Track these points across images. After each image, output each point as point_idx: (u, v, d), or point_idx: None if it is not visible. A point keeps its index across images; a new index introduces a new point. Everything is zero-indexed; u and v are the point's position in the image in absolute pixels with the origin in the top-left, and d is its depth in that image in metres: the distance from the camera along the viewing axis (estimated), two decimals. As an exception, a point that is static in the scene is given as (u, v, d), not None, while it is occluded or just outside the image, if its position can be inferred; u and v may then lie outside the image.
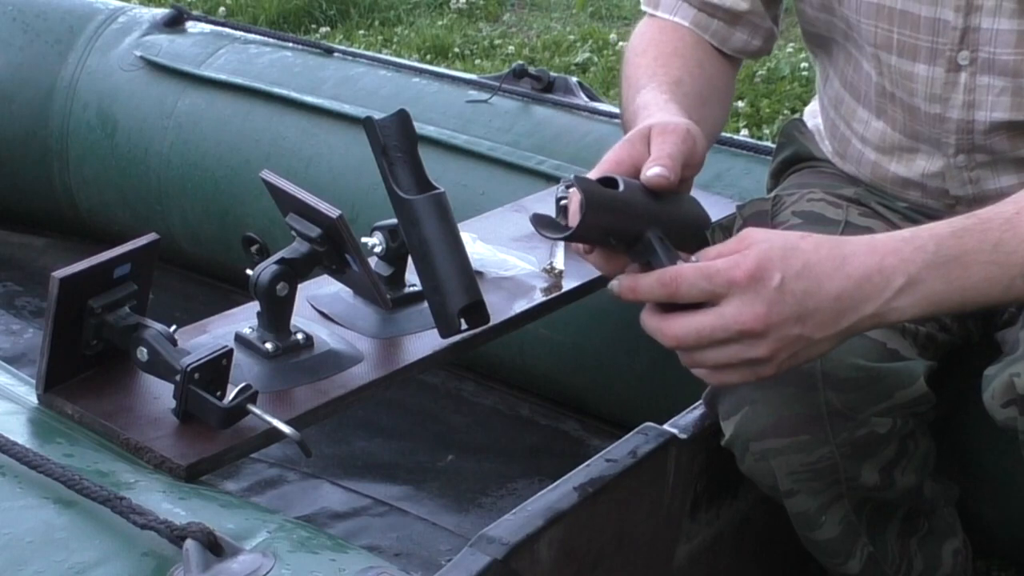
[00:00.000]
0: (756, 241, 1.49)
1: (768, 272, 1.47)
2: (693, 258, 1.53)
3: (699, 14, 2.02)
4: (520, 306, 2.09)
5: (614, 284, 1.50)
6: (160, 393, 1.72)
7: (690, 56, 1.98)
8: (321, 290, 2.05)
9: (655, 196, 1.60)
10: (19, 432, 1.61)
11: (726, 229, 2.14)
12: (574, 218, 1.55)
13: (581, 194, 1.51)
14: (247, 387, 1.68)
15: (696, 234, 1.67)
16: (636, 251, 1.57)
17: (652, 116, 1.73)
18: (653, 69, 1.92)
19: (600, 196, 1.53)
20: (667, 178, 1.60)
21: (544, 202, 2.33)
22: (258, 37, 3.39)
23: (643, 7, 2.08)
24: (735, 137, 2.69)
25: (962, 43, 1.82)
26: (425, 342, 1.95)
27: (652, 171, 1.61)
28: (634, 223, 1.57)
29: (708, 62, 2.00)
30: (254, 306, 1.89)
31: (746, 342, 1.51)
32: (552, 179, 2.56)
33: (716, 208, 2.39)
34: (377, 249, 2.03)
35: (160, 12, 3.50)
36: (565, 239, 1.61)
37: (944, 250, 1.51)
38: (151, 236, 1.75)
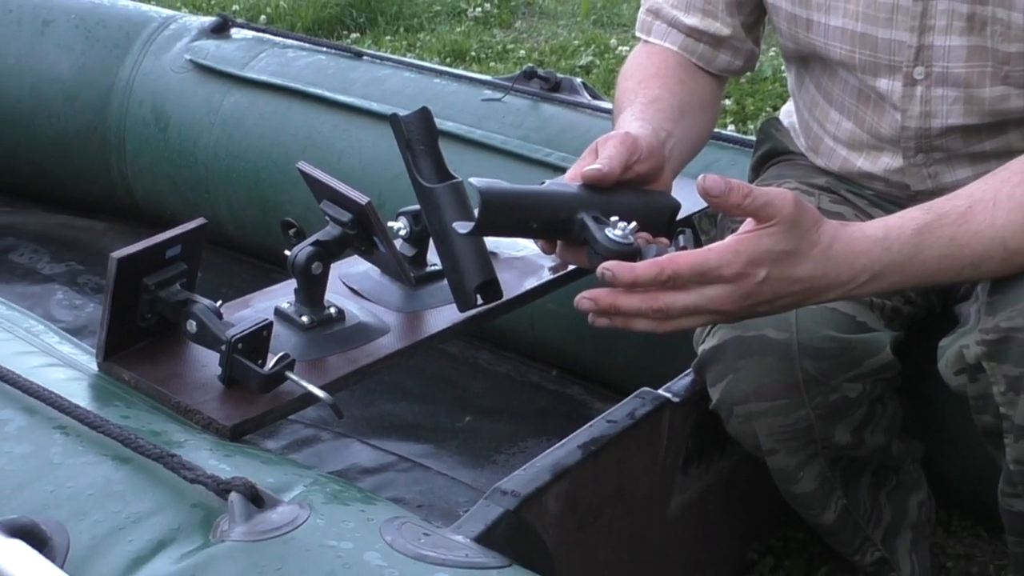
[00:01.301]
0: (764, 237, 1.48)
1: (755, 270, 1.47)
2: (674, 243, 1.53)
3: (687, 39, 2.05)
4: (530, 283, 2.09)
5: (608, 267, 1.48)
6: (207, 361, 1.72)
7: (671, 76, 2.00)
8: (352, 269, 2.04)
9: (599, 189, 1.66)
10: (81, 396, 1.60)
11: (711, 216, 2.14)
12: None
13: (479, 195, 1.57)
14: (285, 356, 1.67)
15: (658, 220, 1.70)
16: (572, 232, 1.61)
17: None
18: (635, 91, 1.95)
19: (497, 193, 1.60)
20: (599, 171, 1.65)
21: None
22: (295, 42, 3.39)
23: (637, 33, 2.11)
24: (723, 132, 2.68)
25: (917, 59, 1.82)
26: (445, 315, 1.95)
27: (587, 168, 1.65)
28: (558, 211, 1.61)
29: (688, 79, 2.02)
30: (292, 283, 1.88)
31: (719, 315, 1.53)
32: (559, 169, 2.55)
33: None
34: (402, 232, 2.03)
35: (207, 20, 3.50)
36: (470, 233, 1.64)
37: (907, 249, 1.52)
38: (199, 220, 1.75)
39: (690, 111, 1.96)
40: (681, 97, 1.96)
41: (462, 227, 1.66)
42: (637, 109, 1.88)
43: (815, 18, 1.90)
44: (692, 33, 2.04)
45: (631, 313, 1.48)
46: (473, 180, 1.61)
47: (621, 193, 1.67)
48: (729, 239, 1.47)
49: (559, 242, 1.65)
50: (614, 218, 1.59)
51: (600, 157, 1.67)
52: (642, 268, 1.46)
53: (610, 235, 1.56)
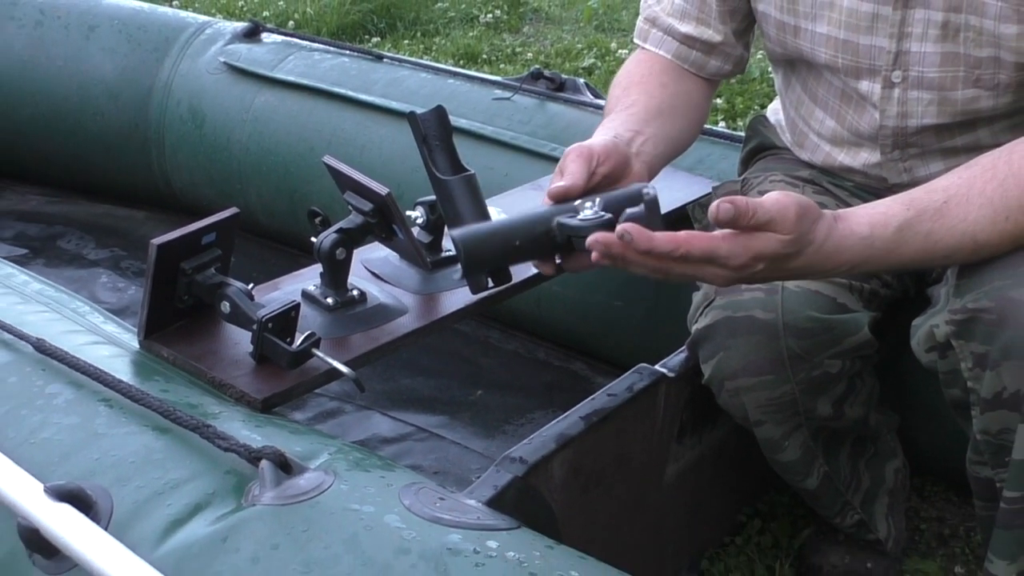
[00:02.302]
0: (772, 241, 1.47)
1: (756, 264, 1.48)
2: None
3: (680, 47, 2.05)
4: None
5: (628, 229, 1.46)
6: (240, 339, 1.72)
7: (653, 81, 2.02)
8: (373, 254, 2.04)
9: (569, 200, 1.63)
10: (124, 371, 1.61)
11: (704, 206, 2.14)
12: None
13: (458, 244, 1.57)
14: (311, 334, 1.67)
15: (632, 205, 1.64)
16: (555, 240, 1.59)
17: None
18: (618, 99, 1.97)
19: (473, 234, 1.58)
20: (563, 187, 1.64)
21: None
22: (321, 46, 3.38)
23: (635, 40, 2.11)
24: (714, 128, 2.67)
25: (895, 64, 1.83)
26: (458, 297, 1.95)
27: (552, 187, 1.65)
28: (536, 226, 1.59)
29: (671, 83, 2.03)
30: (317, 267, 1.88)
31: (710, 283, 1.56)
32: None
33: (696, 187, 2.40)
34: (419, 220, 2.03)
35: (240, 25, 3.49)
36: (465, 277, 1.69)
37: (888, 245, 1.53)
38: (232, 210, 1.75)
39: (669, 111, 1.96)
40: (660, 99, 1.97)
41: (458, 282, 1.73)
42: (611, 116, 1.92)
43: (802, 25, 1.90)
44: (686, 40, 2.04)
45: (635, 266, 1.48)
46: (451, 233, 1.61)
47: (589, 197, 1.65)
48: (743, 237, 1.47)
49: (558, 260, 1.63)
50: (578, 201, 1.59)
51: (564, 175, 1.67)
52: (660, 240, 1.45)
53: (582, 218, 1.55)
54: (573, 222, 1.55)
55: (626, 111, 1.91)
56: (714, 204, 1.44)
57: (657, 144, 1.88)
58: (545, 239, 1.59)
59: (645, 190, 1.51)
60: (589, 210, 1.56)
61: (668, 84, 2.02)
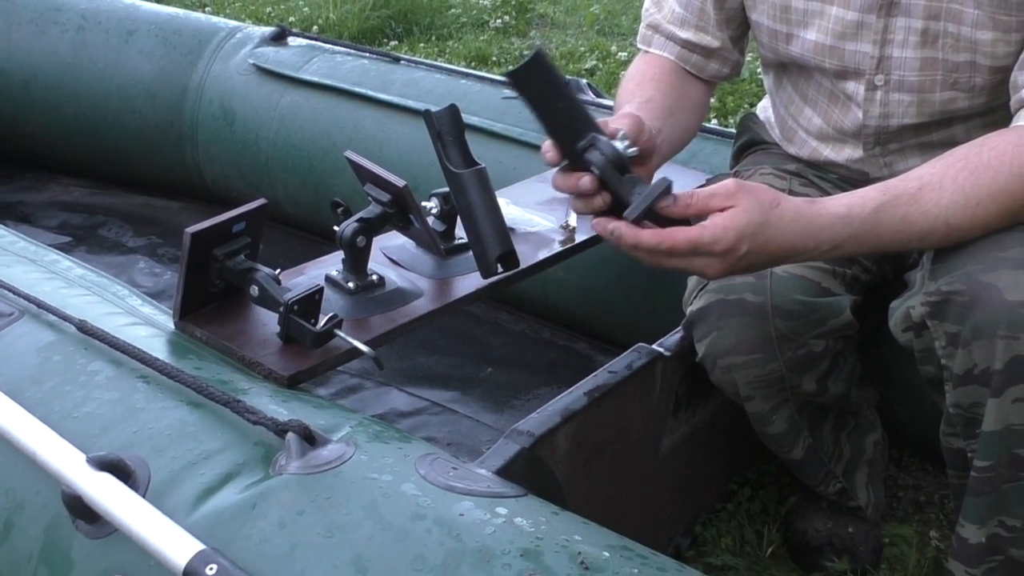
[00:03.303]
0: (740, 212, 1.47)
1: (739, 246, 1.47)
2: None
3: (682, 50, 2.04)
4: (543, 254, 2.08)
5: (616, 228, 1.48)
6: (268, 321, 1.71)
7: (664, 80, 2.00)
8: (391, 242, 2.04)
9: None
10: (160, 350, 1.60)
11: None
12: None
13: (535, 53, 1.49)
14: (334, 316, 1.67)
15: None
16: (578, 141, 1.52)
17: None
18: (633, 92, 1.94)
19: (547, 59, 1.50)
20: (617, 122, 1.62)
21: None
22: (343, 49, 3.38)
23: (639, 45, 2.10)
24: (707, 125, 2.67)
25: (878, 68, 1.83)
26: (470, 281, 1.94)
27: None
28: (582, 113, 1.53)
29: (679, 84, 2.02)
30: (339, 254, 1.88)
31: (702, 275, 1.54)
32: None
33: (691, 179, 2.39)
34: (434, 210, 2.02)
35: (268, 29, 3.49)
36: (516, 72, 1.49)
37: (865, 226, 1.53)
38: (261, 201, 1.74)
39: (679, 111, 1.95)
40: (672, 99, 1.94)
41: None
42: (634, 106, 1.85)
43: (794, 32, 1.90)
44: (686, 45, 2.03)
45: (630, 252, 1.50)
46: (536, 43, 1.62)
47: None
48: (716, 217, 1.46)
49: (559, 170, 1.57)
50: (621, 133, 1.56)
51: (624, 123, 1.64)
52: (645, 237, 1.46)
53: (616, 144, 1.52)
54: (602, 139, 1.52)
55: (647, 105, 1.87)
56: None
57: (668, 145, 1.86)
58: (575, 126, 1.52)
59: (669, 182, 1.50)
60: (621, 143, 1.53)
61: (676, 85, 2.01)
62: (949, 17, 1.72)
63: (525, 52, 1.60)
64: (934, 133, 1.87)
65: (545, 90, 1.51)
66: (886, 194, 1.54)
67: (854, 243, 1.53)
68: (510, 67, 1.65)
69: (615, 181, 1.51)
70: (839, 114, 1.94)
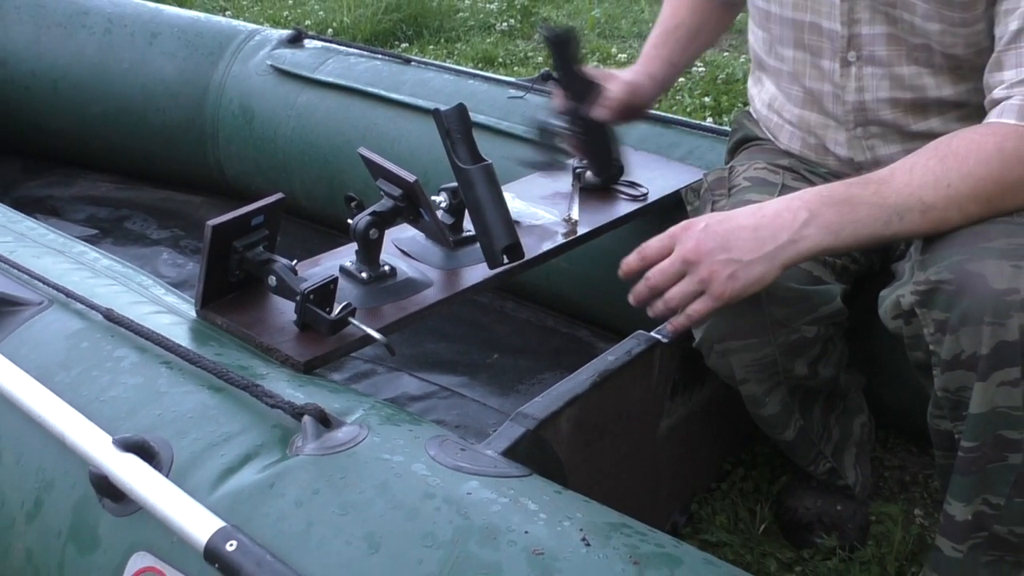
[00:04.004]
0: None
1: (695, 222, 1.60)
2: None
3: None
4: (547, 246, 2.08)
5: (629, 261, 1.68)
6: (285, 309, 1.71)
7: (695, 6, 2.32)
8: (402, 234, 2.03)
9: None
10: (183, 337, 1.60)
11: (695, 190, 2.14)
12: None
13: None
14: (348, 305, 1.67)
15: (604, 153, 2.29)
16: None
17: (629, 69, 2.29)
18: (668, 17, 2.33)
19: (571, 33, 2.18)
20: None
21: (565, 171, 2.31)
22: (356, 50, 3.37)
23: None
24: (703, 123, 2.66)
25: (849, 46, 1.87)
26: (477, 272, 1.94)
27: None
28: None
29: (704, 7, 2.31)
30: (353, 246, 1.87)
31: (689, 270, 1.59)
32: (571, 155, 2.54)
33: (689, 175, 2.39)
34: (443, 204, 2.02)
35: (285, 32, 3.48)
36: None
37: (836, 194, 1.58)
38: (278, 195, 1.74)
39: (701, 32, 2.32)
40: (700, 20, 2.30)
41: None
42: (659, 33, 2.31)
43: (772, 10, 1.96)
44: None
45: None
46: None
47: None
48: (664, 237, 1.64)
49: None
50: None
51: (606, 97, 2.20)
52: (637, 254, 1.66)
53: (547, 118, 2.19)
54: (541, 117, 2.16)
55: (675, 31, 2.30)
56: (623, 263, 1.68)
57: (691, 58, 2.36)
58: (581, 83, 2.22)
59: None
60: (559, 122, 2.16)
61: (699, 9, 2.31)
62: (903, 6, 1.78)
63: (558, 31, 2.02)
64: (911, 120, 1.88)
65: (568, 53, 2.17)
66: (859, 178, 1.60)
67: (831, 212, 1.56)
68: (544, 34, 2.24)
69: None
70: (819, 92, 1.97)
